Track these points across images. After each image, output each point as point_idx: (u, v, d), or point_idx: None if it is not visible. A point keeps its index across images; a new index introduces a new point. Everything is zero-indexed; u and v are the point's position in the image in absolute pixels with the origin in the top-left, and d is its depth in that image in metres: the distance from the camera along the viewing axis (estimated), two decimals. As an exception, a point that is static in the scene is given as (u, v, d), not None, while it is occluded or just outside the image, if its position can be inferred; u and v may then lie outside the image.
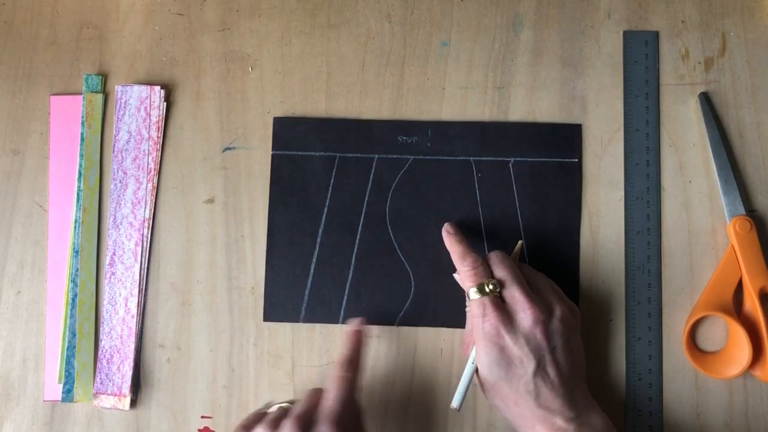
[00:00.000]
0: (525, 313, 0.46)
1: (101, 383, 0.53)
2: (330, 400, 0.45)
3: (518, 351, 0.45)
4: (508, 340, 0.46)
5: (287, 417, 0.44)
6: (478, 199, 0.54)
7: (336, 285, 0.54)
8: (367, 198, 0.54)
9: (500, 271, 0.48)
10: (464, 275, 0.48)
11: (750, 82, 0.54)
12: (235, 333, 0.54)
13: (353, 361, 0.48)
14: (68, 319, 0.54)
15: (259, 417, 0.46)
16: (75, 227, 0.55)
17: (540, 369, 0.45)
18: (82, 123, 0.56)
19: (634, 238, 0.53)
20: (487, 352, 0.46)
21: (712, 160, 0.53)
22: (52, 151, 0.56)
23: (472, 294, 0.47)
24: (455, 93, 0.55)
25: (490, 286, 0.47)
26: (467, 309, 0.49)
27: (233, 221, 0.55)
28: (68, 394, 0.53)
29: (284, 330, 0.54)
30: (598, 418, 0.46)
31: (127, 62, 0.57)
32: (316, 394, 0.47)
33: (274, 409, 0.48)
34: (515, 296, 0.46)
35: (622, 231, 0.53)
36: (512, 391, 0.46)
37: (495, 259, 0.48)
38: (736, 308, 0.51)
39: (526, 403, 0.45)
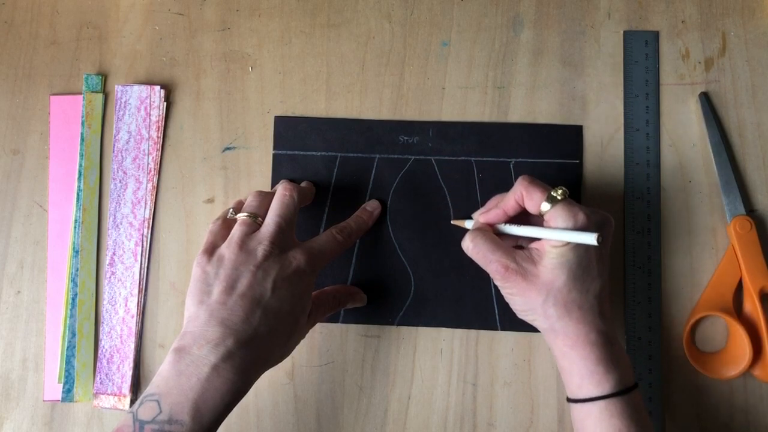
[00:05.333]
0: (608, 220, 0.46)
1: (101, 383, 0.53)
2: (270, 224, 0.47)
3: (598, 256, 0.45)
4: (594, 252, 0.45)
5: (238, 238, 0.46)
6: (479, 199, 0.54)
7: (336, 284, 0.53)
8: (368, 198, 0.54)
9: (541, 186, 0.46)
10: (532, 196, 0.46)
11: (750, 82, 0.54)
12: (236, 333, 0.54)
13: (349, 227, 0.51)
14: (68, 319, 0.54)
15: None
16: (75, 227, 0.55)
17: (605, 279, 0.46)
18: (82, 123, 0.56)
19: (634, 237, 0.53)
20: (579, 263, 0.44)
21: (712, 160, 0.53)
22: (52, 151, 0.56)
23: (546, 206, 0.45)
24: (455, 93, 0.55)
25: (559, 192, 0.45)
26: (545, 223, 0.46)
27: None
28: (68, 394, 0.53)
29: (284, 330, 0.54)
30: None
31: (127, 62, 0.57)
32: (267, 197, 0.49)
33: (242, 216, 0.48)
34: (576, 206, 0.45)
35: (622, 231, 0.53)
36: (580, 294, 0.44)
37: (527, 179, 0.47)
38: (736, 308, 0.51)
39: (591, 309, 0.44)
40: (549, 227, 0.45)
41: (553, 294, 0.44)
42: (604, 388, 0.43)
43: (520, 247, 0.47)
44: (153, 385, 0.41)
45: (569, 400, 0.45)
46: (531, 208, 0.46)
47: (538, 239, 0.46)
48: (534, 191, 0.46)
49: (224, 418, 0.42)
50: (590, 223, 0.44)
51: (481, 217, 0.49)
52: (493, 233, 0.47)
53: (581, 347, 0.44)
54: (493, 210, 0.48)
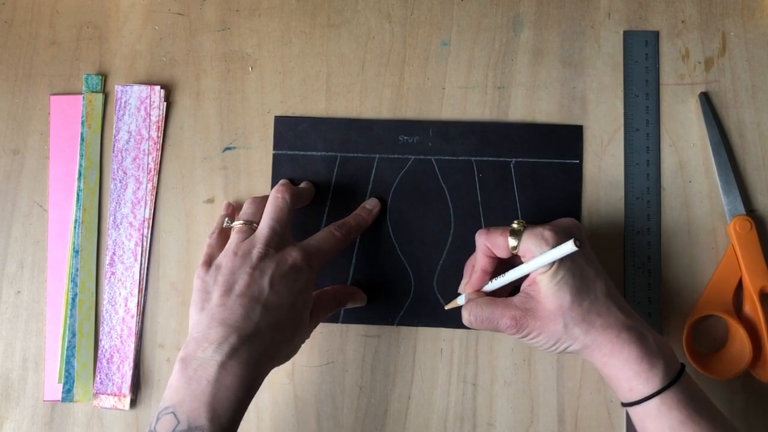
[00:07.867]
0: (574, 224, 0.47)
1: (101, 383, 0.53)
2: (263, 227, 0.47)
3: (585, 259, 0.45)
4: (579, 257, 0.45)
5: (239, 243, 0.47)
6: (479, 199, 0.54)
7: (336, 284, 0.53)
8: (368, 198, 0.54)
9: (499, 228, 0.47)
10: (496, 242, 0.46)
11: (750, 82, 0.54)
12: (236, 333, 0.54)
13: (347, 224, 0.51)
14: (68, 319, 0.54)
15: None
16: (75, 227, 0.55)
17: (604, 275, 0.46)
18: (82, 123, 0.56)
19: (634, 238, 0.53)
20: (573, 273, 0.44)
21: (712, 160, 0.53)
22: (52, 151, 0.56)
23: (513, 241, 0.45)
24: (455, 93, 0.55)
25: (516, 224, 0.45)
26: (522, 259, 0.46)
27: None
28: (68, 394, 0.53)
29: (284, 330, 0.54)
30: None
31: (127, 62, 0.57)
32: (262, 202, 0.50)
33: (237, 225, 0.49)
34: (539, 227, 0.45)
35: (622, 231, 0.53)
36: (592, 302, 0.44)
37: (483, 231, 0.48)
38: (736, 308, 0.51)
39: (609, 310, 0.44)
40: (528, 260, 0.45)
41: (569, 315, 0.44)
42: (654, 384, 0.42)
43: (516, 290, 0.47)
44: (165, 399, 0.42)
45: (624, 404, 0.44)
46: (502, 254, 0.46)
47: (527, 276, 0.46)
48: (494, 237, 0.46)
49: (242, 416, 0.42)
50: (559, 235, 0.44)
51: (467, 288, 0.49)
52: (485, 297, 0.47)
53: (618, 351, 0.43)
54: (474, 275, 0.48)
